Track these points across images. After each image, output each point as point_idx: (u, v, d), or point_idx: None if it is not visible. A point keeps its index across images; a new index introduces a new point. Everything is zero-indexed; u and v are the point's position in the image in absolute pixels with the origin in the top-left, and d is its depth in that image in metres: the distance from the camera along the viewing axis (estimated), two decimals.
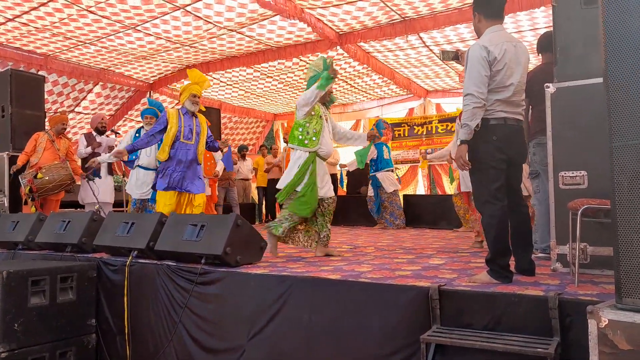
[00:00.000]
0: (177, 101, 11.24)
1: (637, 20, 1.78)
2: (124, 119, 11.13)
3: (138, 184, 5.67)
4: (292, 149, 4.36)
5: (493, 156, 2.85)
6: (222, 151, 5.55)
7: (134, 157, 5.69)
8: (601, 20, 1.86)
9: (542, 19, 7.20)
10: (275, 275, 3.24)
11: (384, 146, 8.28)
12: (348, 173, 10.39)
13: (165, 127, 4.76)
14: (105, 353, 3.91)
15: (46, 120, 7.23)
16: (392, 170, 8.32)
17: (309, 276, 3.15)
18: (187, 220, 3.87)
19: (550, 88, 3.23)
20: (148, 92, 10.67)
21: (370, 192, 8.32)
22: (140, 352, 3.74)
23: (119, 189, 7.51)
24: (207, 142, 5.06)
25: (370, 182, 8.33)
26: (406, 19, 7.32)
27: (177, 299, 3.58)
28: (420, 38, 7.98)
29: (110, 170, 6.78)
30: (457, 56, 3.21)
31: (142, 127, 5.96)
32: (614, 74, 1.82)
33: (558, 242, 3.18)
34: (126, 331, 3.79)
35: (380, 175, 8.11)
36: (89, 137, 6.66)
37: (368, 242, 5.54)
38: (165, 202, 4.72)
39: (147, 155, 5.69)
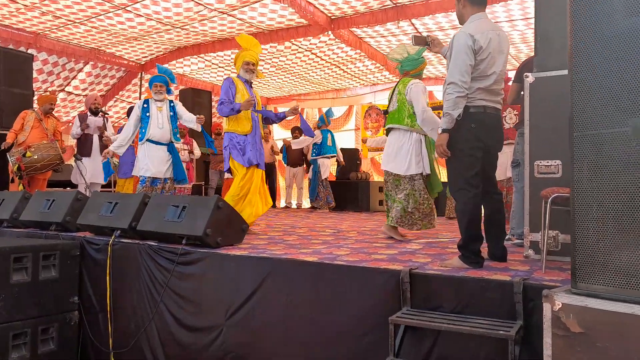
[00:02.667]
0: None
1: (603, 13, 1.81)
2: (114, 99, 11.10)
3: (152, 161, 5.02)
4: (397, 129, 4.36)
5: (470, 143, 2.89)
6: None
7: (142, 128, 5.11)
8: (568, 15, 1.89)
9: (517, 11, 7.25)
10: (254, 256, 3.30)
11: (329, 133, 8.80)
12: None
13: (234, 95, 4.54)
14: (88, 330, 3.97)
15: (35, 99, 7.21)
16: (331, 157, 8.87)
17: (286, 258, 3.21)
18: (169, 201, 3.90)
19: (529, 78, 3.26)
20: (139, 73, 10.63)
21: (310, 174, 8.76)
22: (122, 329, 3.81)
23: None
24: (263, 115, 4.84)
25: (311, 166, 8.76)
26: (398, 4, 7.30)
27: (158, 279, 3.63)
28: (412, 24, 7.98)
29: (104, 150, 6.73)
30: (427, 42, 3.23)
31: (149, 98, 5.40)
32: (578, 67, 1.86)
33: (531, 229, 3.24)
34: (108, 309, 3.85)
35: (320, 160, 8.57)
36: (82, 118, 6.65)
37: (352, 227, 5.60)
38: (247, 179, 4.48)
39: (160, 127, 5.13)
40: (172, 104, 5.29)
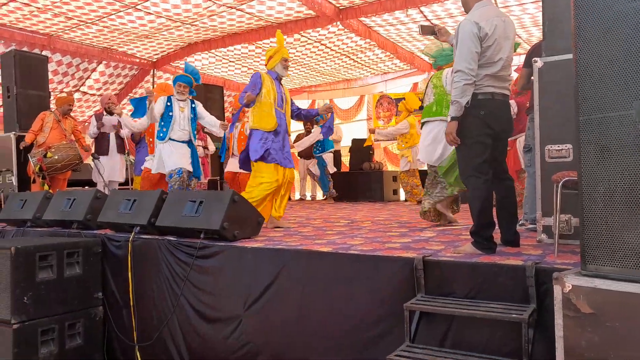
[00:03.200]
0: None
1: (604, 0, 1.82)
2: (128, 97, 11.23)
3: (180, 155, 5.02)
4: (435, 121, 4.40)
5: (480, 130, 2.91)
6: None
7: (163, 127, 5.09)
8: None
9: None
10: (271, 248, 3.37)
11: None
12: (351, 149, 10.46)
13: (260, 91, 4.49)
14: (113, 324, 4.10)
15: (52, 100, 7.35)
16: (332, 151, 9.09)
17: (302, 249, 3.27)
18: (186, 196, 3.99)
19: (538, 62, 3.26)
20: (152, 70, 10.75)
21: (317, 171, 8.83)
22: (145, 323, 3.92)
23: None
24: (293, 111, 4.76)
25: (317, 161, 8.84)
26: None
27: (178, 273, 3.73)
28: (422, 12, 7.94)
29: (121, 149, 6.85)
30: (434, 31, 3.24)
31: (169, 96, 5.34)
32: (582, 51, 1.88)
33: (544, 214, 3.26)
34: (131, 304, 3.96)
35: (325, 156, 8.72)
36: (98, 118, 6.78)
37: (366, 217, 5.66)
38: (270, 176, 4.43)
39: (181, 129, 5.14)
40: (193, 105, 5.26)
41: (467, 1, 3.07)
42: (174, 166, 4.97)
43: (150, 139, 5.94)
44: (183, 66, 10.70)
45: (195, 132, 5.29)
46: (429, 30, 3.25)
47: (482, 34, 2.85)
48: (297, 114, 4.88)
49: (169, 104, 5.12)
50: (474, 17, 2.90)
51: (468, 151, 2.94)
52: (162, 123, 5.07)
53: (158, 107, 5.10)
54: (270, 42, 9.27)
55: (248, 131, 5.02)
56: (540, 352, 2.33)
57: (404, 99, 11.75)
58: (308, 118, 5.02)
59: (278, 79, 4.66)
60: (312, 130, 8.75)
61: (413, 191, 7.46)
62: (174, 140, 5.06)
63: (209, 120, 5.30)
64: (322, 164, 8.75)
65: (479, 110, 2.90)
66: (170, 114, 5.07)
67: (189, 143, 5.19)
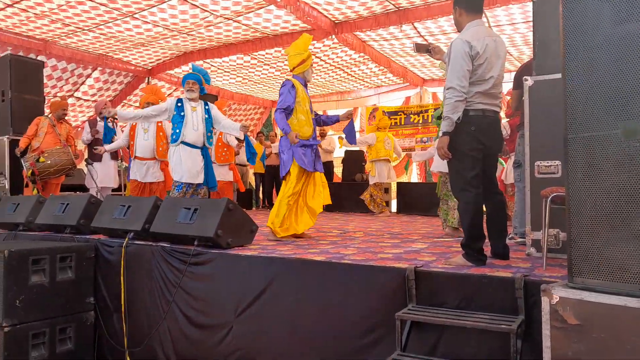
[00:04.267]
0: (175, 87, 11.36)
1: (592, 22, 1.91)
2: (122, 104, 11.24)
3: (187, 166, 4.79)
4: None
5: (471, 145, 3.00)
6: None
7: (176, 129, 4.87)
8: (560, 22, 2.00)
9: (518, 15, 7.36)
10: (264, 256, 3.41)
11: None
12: (343, 160, 10.55)
13: (294, 99, 4.41)
14: (104, 329, 4.10)
15: (46, 105, 7.36)
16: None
17: (295, 257, 3.32)
18: (181, 203, 4.02)
19: (529, 81, 3.37)
20: (146, 78, 10.78)
21: None
22: (135, 328, 3.93)
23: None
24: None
25: None
26: (400, 8, 7.41)
27: (170, 279, 3.75)
28: (415, 28, 8.08)
29: (115, 155, 6.86)
30: (428, 49, 3.34)
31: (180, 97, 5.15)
32: (571, 72, 1.97)
33: (533, 228, 3.35)
34: (122, 309, 3.97)
35: None
36: (92, 124, 6.79)
37: (358, 228, 5.71)
38: (298, 182, 4.41)
39: (194, 130, 4.88)
40: (207, 107, 5.06)
41: (459, 21, 3.17)
42: (178, 178, 4.84)
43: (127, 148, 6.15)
44: (177, 74, 10.71)
45: (211, 137, 5.06)
46: (423, 48, 3.34)
47: (474, 52, 2.95)
48: (317, 119, 4.81)
49: (179, 104, 4.91)
50: (466, 36, 3.00)
51: (459, 165, 3.02)
52: (175, 125, 4.87)
53: (164, 106, 4.94)
54: (266, 53, 9.36)
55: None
56: None
57: (396, 112, 11.99)
58: (327, 124, 4.97)
59: (305, 84, 4.61)
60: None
61: (377, 200, 8.24)
62: (186, 144, 4.83)
63: (226, 124, 5.11)
64: None
65: (470, 126, 2.99)
66: (182, 114, 4.86)
67: (203, 149, 4.96)
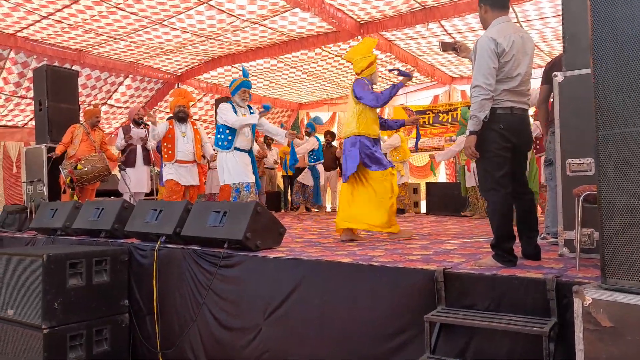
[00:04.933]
0: (204, 93, 11.55)
1: (622, 15, 1.86)
2: (153, 110, 11.50)
3: (246, 167, 4.97)
4: None
5: (499, 144, 2.95)
6: None
7: (228, 136, 4.97)
8: (589, 15, 1.95)
9: (548, 9, 7.17)
10: (292, 258, 3.44)
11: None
12: None
13: None
14: (138, 331, 4.20)
15: (81, 113, 7.60)
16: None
17: (323, 260, 3.33)
18: (211, 207, 4.09)
19: (559, 77, 3.29)
20: (176, 84, 11.00)
21: (310, 181, 8.95)
22: (167, 330, 4.01)
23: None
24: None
25: (310, 172, 9.01)
26: (426, 6, 7.35)
27: (201, 281, 3.81)
28: (442, 26, 8.00)
29: (147, 161, 7.03)
30: (455, 47, 3.30)
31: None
32: (600, 67, 1.92)
33: (565, 227, 3.26)
34: (155, 311, 4.06)
35: (319, 166, 8.95)
36: (125, 130, 6.98)
37: None
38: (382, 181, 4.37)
39: (246, 136, 5.05)
40: (252, 111, 5.17)
41: (485, 18, 3.12)
42: (239, 179, 4.93)
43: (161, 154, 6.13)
44: (205, 79, 10.86)
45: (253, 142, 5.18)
46: (449, 46, 3.30)
47: (500, 49, 2.90)
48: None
49: (234, 111, 4.99)
50: (492, 33, 2.96)
51: (488, 165, 2.97)
52: (227, 132, 4.94)
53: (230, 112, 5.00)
54: (292, 56, 9.41)
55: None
56: None
57: (424, 111, 11.86)
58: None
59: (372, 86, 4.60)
60: (307, 139, 8.88)
61: (405, 201, 8.36)
62: (238, 149, 4.96)
63: (268, 127, 5.17)
64: (315, 175, 8.90)
65: (498, 125, 2.94)
66: None
67: (250, 152, 5.09)
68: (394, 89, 4.38)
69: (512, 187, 2.98)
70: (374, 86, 4.59)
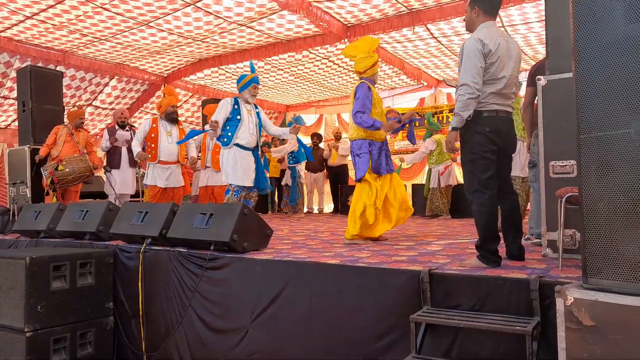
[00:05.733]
0: (191, 94, 11.49)
1: (603, 20, 1.90)
2: (139, 111, 11.42)
3: (244, 169, 4.70)
4: None
5: (485, 147, 2.99)
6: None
7: (228, 132, 4.77)
8: (571, 20, 1.99)
9: (532, 14, 7.29)
10: (279, 260, 3.44)
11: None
12: None
13: (371, 102, 4.31)
14: (123, 334, 4.16)
15: (65, 114, 7.52)
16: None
17: (310, 261, 3.33)
18: (197, 209, 4.07)
19: (542, 80, 3.34)
20: (162, 85, 10.93)
21: (289, 181, 9.01)
22: (153, 333, 3.98)
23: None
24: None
25: (290, 172, 9.07)
26: (413, 10, 7.41)
27: (187, 284, 3.80)
28: (428, 29, 8.06)
29: (133, 162, 6.97)
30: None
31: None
32: (582, 71, 1.96)
33: (548, 228, 3.31)
34: (140, 314, 4.03)
35: (299, 167, 8.96)
36: (110, 132, 6.92)
37: None
38: (374, 187, 4.32)
39: (250, 133, 4.80)
40: (257, 110, 4.99)
41: (473, 22, 3.16)
42: (234, 181, 4.74)
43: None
44: (192, 81, 10.79)
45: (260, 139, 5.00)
46: (453, 82, 3.36)
47: (486, 50, 2.95)
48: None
49: (236, 106, 4.79)
50: (478, 35, 3.01)
51: (474, 167, 3.01)
52: (228, 127, 4.76)
53: (224, 109, 4.77)
54: (279, 58, 9.42)
55: None
56: None
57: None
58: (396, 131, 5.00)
59: (373, 86, 4.52)
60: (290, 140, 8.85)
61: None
62: (239, 146, 4.75)
63: (275, 130, 5.05)
64: (294, 175, 8.96)
65: (485, 127, 2.98)
66: (238, 117, 4.75)
67: (254, 151, 4.89)
68: (377, 125, 4.25)
69: (498, 188, 3.02)
70: (375, 86, 4.57)
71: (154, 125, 5.85)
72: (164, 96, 6.15)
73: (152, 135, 5.85)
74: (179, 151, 5.97)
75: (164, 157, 5.88)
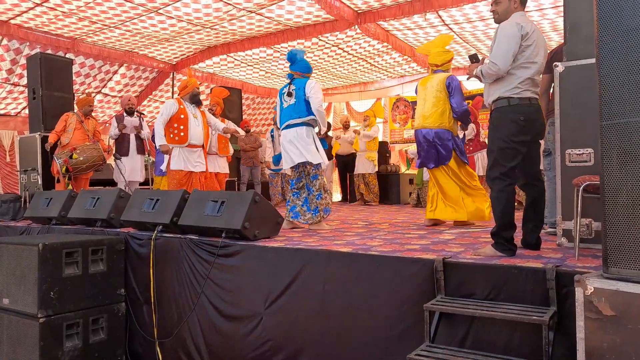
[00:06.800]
0: (199, 82, 11.45)
1: (628, 5, 1.84)
2: (148, 99, 11.41)
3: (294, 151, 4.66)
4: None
5: (516, 137, 2.94)
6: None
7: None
8: (595, 5, 1.93)
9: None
10: (291, 248, 3.43)
11: None
12: None
13: None
14: (134, 321, 4.19)
15: (74, 101, 7.52)
16: None
17: (322, 249, 3.32)
18: (208, 196, 4.07)
19: (559, 67, 3.28)
20: (171, 73, 10.91)
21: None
22: (165, 320, 4.00)
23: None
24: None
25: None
26: None
27: (199, 271, 3.80)
28: (440, 16, 7.95)
29: (141, 150, 6.97)
30: (478, 58, 3.28)
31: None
32: (605, 57, 1.90)
33: (564, 217, 3.27)
34: (152, 300, 4.05)
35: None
36: (119, 119, 6.91)
37: (383, 219, 5.69)
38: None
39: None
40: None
41: (509, 10, 3.07)
42: (291, 163, 4.70)
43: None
44: (200, 68, 10.74)
45: None
46: (474, 57, 3.30)
47: (523, 32, 2.94)
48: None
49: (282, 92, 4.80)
50: (516, 19, 3.00)
51: (500, 154, 2.97)
52: (277, 112, 4.87)
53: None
54: (289, 45, 9.35)
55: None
56: (560, 354, 2.35)
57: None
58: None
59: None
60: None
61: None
62: (285, 129, 4.73)
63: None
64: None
65: (519, 116, 2.94)
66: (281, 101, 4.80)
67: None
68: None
69: (527, 176, 3.03)
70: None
71: (182, 106, 5.47)
72: (188, 78, 5.88)
73: (182, 116, 5.45)
74: (204, 135, 5.66)
75: (195, 140, 5.53)
